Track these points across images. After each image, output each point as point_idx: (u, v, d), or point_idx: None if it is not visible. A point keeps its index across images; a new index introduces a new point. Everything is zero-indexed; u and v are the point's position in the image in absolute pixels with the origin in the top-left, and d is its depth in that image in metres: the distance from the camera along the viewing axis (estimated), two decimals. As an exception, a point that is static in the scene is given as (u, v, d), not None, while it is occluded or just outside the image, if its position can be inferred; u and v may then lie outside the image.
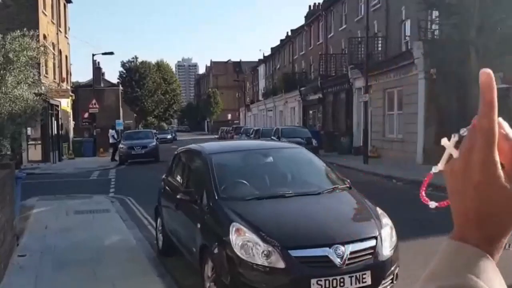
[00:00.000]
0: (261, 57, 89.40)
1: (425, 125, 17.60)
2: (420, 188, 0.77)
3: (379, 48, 24.95)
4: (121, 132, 30.63)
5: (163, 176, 7.62)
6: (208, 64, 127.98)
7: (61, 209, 10.71)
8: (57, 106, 27.20)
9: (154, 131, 31.01)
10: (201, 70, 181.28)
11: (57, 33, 27.57)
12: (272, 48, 58.68)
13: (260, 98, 61.69)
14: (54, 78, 26.53)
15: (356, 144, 23.90)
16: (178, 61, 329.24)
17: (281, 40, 54.15)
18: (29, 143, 24.63)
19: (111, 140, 27.71)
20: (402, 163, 18.00)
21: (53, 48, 26.86)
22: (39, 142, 24.59)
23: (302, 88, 34.36)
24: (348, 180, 5.76)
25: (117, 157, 25.65)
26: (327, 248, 4.28)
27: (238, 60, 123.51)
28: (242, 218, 4.68)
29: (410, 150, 18.55)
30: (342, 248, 4.29)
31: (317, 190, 5.39)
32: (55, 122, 26.71)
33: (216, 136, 69.99)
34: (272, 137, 25.00)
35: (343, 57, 29.40)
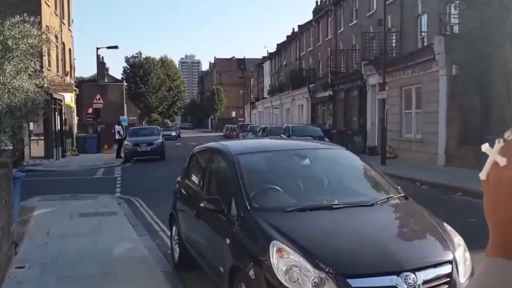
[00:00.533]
0: (266, 54, 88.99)
1: (447, 125, 16.73)
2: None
3: (394, 44, 24.07)
4: (126, 129, 29.82)
5: (179, 179, 6.79)
6: (212, 61, 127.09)
7: (65, 211, 9.90)
8: (61, 100, 26.41)
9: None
10: (204, 67, 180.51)
11: (61, 25, 26.75)
12: (278, 45, 57.77)
13: (266, 95, 60.82)
14: (58, 72, 25.73)
15: (370, 144, 23.05)
16: (181, 58, 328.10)
17: (288, 36, 53.27)
18: (31, 138, 23.86)
19: (117, 136, 26.91)
20: (422, 164, 17.14)
21: (56, 40, 26.07)
22: (42, 137, 23.80)
23: (311, 85, 33.49)
24: (400, 188, 4.92)
25: (122, 154, 24.87)
26: (395, 277, 3.43)
27: (242, 57, 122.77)
28: (283, 235, 3.83)
29: (430, 151, 17.68)
30: (412, 276, 3.45)
31: (369, 200, 4.53)
32: (59, 117, 25.92)
33: (220, 134, 69.15)
34: (282, 135, 24.18)
35: (354, 53, 28.54)
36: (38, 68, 9.31)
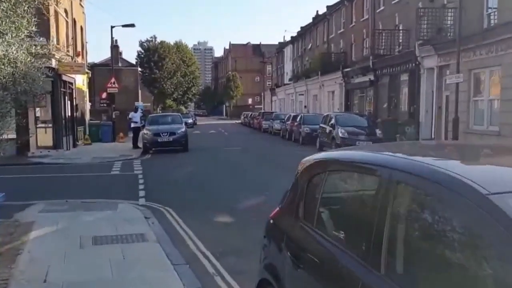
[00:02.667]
0: (282, 39, 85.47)
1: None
2: None
3: (450, 22, 20.85)
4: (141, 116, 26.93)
5: (275, 215, 3.78)
6: (227, 47, 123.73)
7: (73, 233, 7.06)
8: (71, 84, 23.61)
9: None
10: (217, 53, 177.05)
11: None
12: (301, 28, 54.36)
13: (287, 81, 57.65)
14: (67, 51, 22.89)
15: (425, 135, 19.98)
16: (194, 45, 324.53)
17: (314, 18, 49.87)
18: (38, 126, 21.13)
19: (132, 125, 24.11)
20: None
21: (66, 15, 23.21)
22: (50, 125, 21.04)
23: (346, 70, 30.32)
24: None
25: (140, 144, 22.06)
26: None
27: (258, 42, 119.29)
28: None
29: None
30: None
31: None
32: (69, 102, 23.13)
33: (237, 121, 66.36)
34: (321, 125, 21.18)
35: (399, 33, 25.32)
36: (34, 30, 6.34)
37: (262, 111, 48.89)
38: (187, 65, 79.06)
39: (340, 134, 18.42)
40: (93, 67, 45.24)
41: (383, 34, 26.07)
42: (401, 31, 25.25)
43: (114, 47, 45.30)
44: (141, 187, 11.65)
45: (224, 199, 10.03)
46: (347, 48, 35.87)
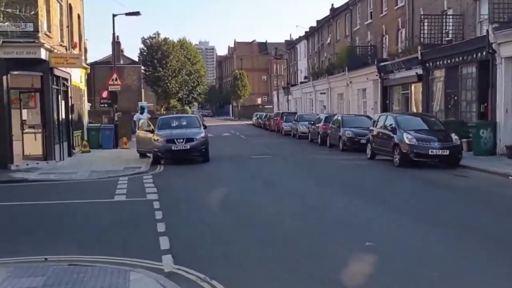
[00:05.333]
0: (288, 38, 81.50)
1: None
2: None
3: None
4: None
5: None
6: (231, 45, 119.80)
7: None
8: (66, 80, 19.63)
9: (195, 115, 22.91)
10: (220, 52, 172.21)
11: (66, -20, 19.88)
12: (317, 21, 50.35)
13: (301, 79, 53.68)
14: (62, 41, 18.91)
15: (507, 141, 15.99)
16: (195, 44, 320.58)
17: (332, 11, 45.87)
18: (24, 131, 17.19)
19: (137, 129, 20.13)
20: None
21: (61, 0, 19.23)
22: (40, 130, 17.07)
23: (384, 63, 26.32)
24: None
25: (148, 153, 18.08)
26: None
27: (264, 40, 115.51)
28: None
29: None
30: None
31: None
32: (63, 102, 19.15)
33: (249, 122, 62.14)
34: (374, 129, 17.20)
35: (447, 19, 21.37)
36: None
37: (280, 111, 44.78)
38: (192, 63, 75.26)
39: (407, 141, 14.41)
40: (92, 65, 41.35)
41: (426, 21, 22.09)
42: (451, 17, 21.30)
43: (116, 43, 41.18)
44: (160, 227, 7.64)
45: (306, 262, 6.03)
46: (377, 41, 31.87)
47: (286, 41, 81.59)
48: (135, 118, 20.08)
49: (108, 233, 7.41)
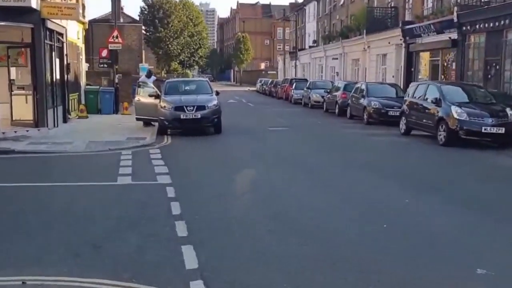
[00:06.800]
0: (293, 0, 78.02)
1: None
2: None
3: None
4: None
5: None
6: (233, 7, 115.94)
7: None
8: (61, 35, 17.37)
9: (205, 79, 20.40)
10: (221, 15, 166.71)
11: None
12: (330, -18, 47.42)
13: (310, 43, 51.06)
14: (55, -10, 16.54)
15: None
16: (196, 6, 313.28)
17: (346, -30, 42.96)
18: (13, 92, 15.11)
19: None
20: None
21: None
22: (30, 92, 14.97)
23: (410, 26, 23.96)
24: None
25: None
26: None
27: (268, 2, 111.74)
28: None
29: None
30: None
31: None
32: (58, 60, 16.96)
33: (252, 89, 59.76)
34: (411, 100, 15.17)
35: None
36: None
37: (289, 78, 42.42)
38: (194, 24, 72.19)
39: (456, 115, 12.41)
40: (90, 22, 38.71)
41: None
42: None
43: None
44: (180, 230, 5.69)
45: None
46: (398, 2, 29.37)
47: (290, 3, 78.31)
48: (141, 80, 17.93)
49: (112, 239, 5.48)
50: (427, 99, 14.05)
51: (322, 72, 43.33)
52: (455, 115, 12.43)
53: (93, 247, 5.19)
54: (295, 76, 47.82)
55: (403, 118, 15.28)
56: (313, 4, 52.23)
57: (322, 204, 7.10)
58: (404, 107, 15.32)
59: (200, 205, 6.95)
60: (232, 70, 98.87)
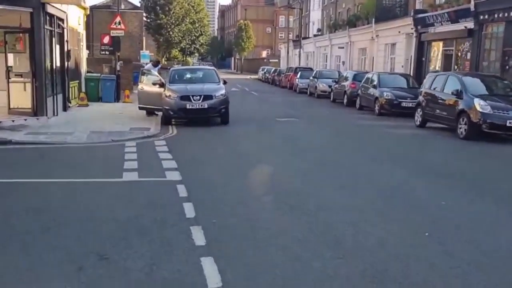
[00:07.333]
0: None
1: None
2: None
3: None
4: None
5: None
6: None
7: None
8: (62, 20, 16.60)
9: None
10: (222, 2, 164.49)
11: None
12: (335, -31, 46.39)
13: (314, 32, 50.18)
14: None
15: None
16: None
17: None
18: (11, 79, 14.38)
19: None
20: None
21: None
22: (29, 79, 14.23)
23: (422, 15, 23.18)
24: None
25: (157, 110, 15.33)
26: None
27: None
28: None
29: None
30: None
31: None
32: (58, 46, 16.21)
33: (253, 77, 58.86)
34: (423, 90, 14.47)
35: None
36: None
37: (294, 66, 41.62)
38: (196, 11, 71.01)
39: (479, 108, 11.74)
40: (91, 9, 37.80)
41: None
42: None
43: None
44: (197, 238, 5.02)
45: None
46: (407, -9, 28.54)
47: (293, -9, 77.36)
48: (146, 68, 17.22)
49: (120, 248, 4.81)
50: (446, 90, 13.35)
51: (327, 61, 42.55)
52: (478, 108, 11.75)
53: (99, 258, 4.54)
54: (299, 64, 47.03)
55: (419, 109, 14.60)
56: (318, -9, 51.31)
57: (357, 205, 6.42)
58: (421, 98, 14.63)
59: (216, 207, 6.29)
60: (232, 58, 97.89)
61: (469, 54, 19.89)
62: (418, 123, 14.61)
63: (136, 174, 7.94)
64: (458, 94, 12.60)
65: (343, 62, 37.10)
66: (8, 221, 5.63)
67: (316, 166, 9.10)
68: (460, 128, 12.25)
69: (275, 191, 7.15)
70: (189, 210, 6.03)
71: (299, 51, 50.80)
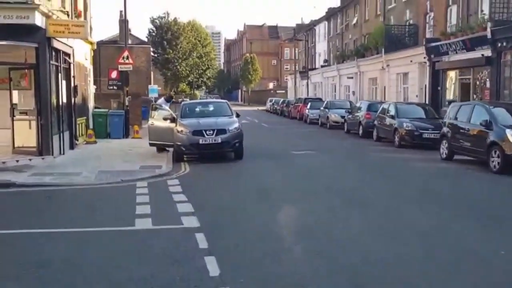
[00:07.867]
0: (299, 22, 77.52)
1: None
2: None
3: None
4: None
5: None
6: (241, 29, 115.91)
7: None
8: (68, 55, 16.15)
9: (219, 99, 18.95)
10: (226, 37, 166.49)
11: None
12: (342, 1, 46.54)
13: (320, 63, 50.00)
14: (63, 6, 15.37)
15: None
16: (204, 28, 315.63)
17: (359, -12, 42.03)
18: (15, 117, 13.82)
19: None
20: None
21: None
22: (34, 117, 13.65)
23: (436, 43, 22.68)
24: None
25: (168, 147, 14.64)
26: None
27: (275, 24, 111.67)
28: None
29: None
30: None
31: None
32: (64, 82, 15.71)
33: (261, 108, 58.63)
34: (447, 120, 13.76)
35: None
36: None
37: (303, 97, 41.18)
38: (203, 45, 71.54)
39: (513, 140, 10.94)
40: (98, 44, 37.84)
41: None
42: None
43: (123, 21, 37.52)
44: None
45: None
46: (418, 20, 28.19)
47: (297, 25, 77.98)
48: (159, 102, 16.70)
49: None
50: (473, 121, 12.61)
51: (335, 91, 42.11)
52: (512, 140, 10.97)
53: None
54: (307, 95, 46.66)
55: (444, 141, 13.81)
56: (323, 24, 51.36)
57: (407, 258, 5.60)
58: (445, 129, 13.87)
59: (241, 260, 5.49)
60: (239, 90, 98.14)
61: (488, 83, 19.23)
62: (444, 155, 13.79)
63: (149, 221, 7.16)
64: (487, 125, 11.85)
65: (353, 92, 36.60)
66: (1, 284, 4.85)
67: (347, 208, 8.29)
68: (493, 161, 11.44)
69: (310, 241, 6.33)
70: (212, 266, 5.23)
71: (307, 82, 50.50)
